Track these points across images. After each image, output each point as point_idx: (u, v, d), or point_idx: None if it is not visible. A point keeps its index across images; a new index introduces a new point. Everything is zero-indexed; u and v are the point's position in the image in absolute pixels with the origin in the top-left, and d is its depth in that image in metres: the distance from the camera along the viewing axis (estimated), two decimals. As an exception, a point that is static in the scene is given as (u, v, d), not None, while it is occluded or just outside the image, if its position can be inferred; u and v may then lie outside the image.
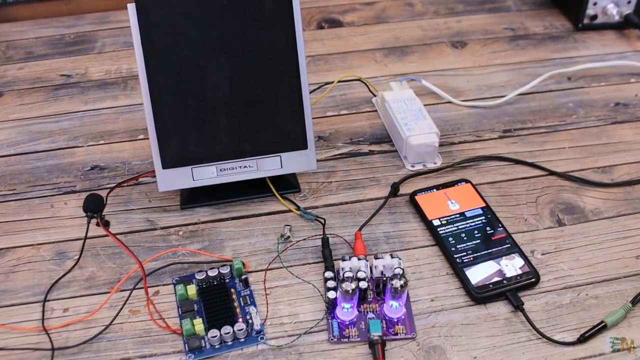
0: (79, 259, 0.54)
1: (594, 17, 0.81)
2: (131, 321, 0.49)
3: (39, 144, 0.66)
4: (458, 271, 0.52)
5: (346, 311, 0.48)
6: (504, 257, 0.53)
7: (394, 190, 0.59)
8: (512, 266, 0.52)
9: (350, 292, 0.46)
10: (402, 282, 0.47)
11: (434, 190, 0.59)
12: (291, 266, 0.54)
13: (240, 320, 0.48)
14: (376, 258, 0.51)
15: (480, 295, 0.50)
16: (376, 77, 0.74)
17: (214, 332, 0.47)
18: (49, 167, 0.63)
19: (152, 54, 0.52)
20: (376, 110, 0.70)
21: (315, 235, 0.56)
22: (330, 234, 0.56)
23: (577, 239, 0.56)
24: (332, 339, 0.48)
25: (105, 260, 0.54)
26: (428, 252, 0.55)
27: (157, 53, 0.52)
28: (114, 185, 0.59)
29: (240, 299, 0.50)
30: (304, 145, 0.57)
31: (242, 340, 0.48)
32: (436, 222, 0.56)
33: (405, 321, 0.49)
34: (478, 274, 0.51)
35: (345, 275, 0.48)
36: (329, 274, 0.51)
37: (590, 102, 0.72)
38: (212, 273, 0.51)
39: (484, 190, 0.60)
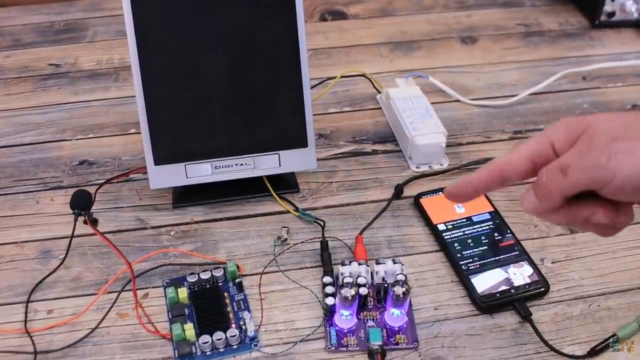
0: (64, 258, 0.53)
1: (612, 14, 0.81)
2: (118, 325, 0.49)
3: (25, 136, 0.66)
4: (463, 278, 0.51)
5: (345, 318, 0.47)
6: (512, 265, 0.52)
7: (398, 192, 0.59)
8: (520, 274, 0.51)
9: (349, 298, 0.46)
10: (404, 289, 0.46)
11: (440, 193, 0.59)
12: (288, 270, 0.53)
13: (233, 325, 0.48)
14: (377, 263, 0.51)
15: (486, 305, 0.50)
16: (381, 73, 0.74)
17: (205, 337, 0.46)
18: (35, 161, 0.63)
19: (145, 44, 0.51)
20: (380, 108, 0.70)
21: (314, 238, 0.55)
22: (330, 237, 0.55)
23: (590, 247, 0.55)
24: (329, 348, 0.47)
25: (93, 260, 0.54)
26: (432, 258, 0.54)
27: (151, 43, 0.51)
28: (103, 181, 0.59)
29: (234, 303, 0.50)
30: (303, 143, 0.56)
31: (235, 347, 0.47)
32: (441, 227, 0.55)
33: (407, 330, 0.48)
34: (484, 282, 0.51)
35: (345, 280, 0.48)
36: (327, 279, 0.50)
37: (605, 104, 0.71)
38: (205, 276, 0.51)
39: (492, 194, 0.59)
